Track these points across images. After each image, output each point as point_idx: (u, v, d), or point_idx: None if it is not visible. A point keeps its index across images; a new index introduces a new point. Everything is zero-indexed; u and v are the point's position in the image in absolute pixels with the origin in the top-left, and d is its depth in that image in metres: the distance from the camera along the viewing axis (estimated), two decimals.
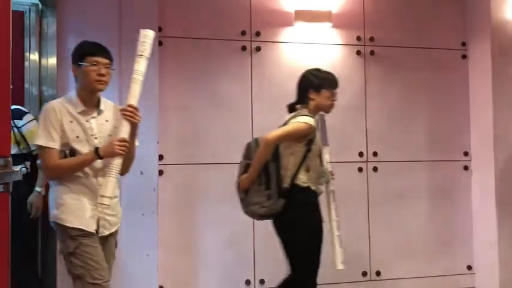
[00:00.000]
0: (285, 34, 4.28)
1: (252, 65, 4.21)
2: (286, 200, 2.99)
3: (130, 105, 2.53)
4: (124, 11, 3.86)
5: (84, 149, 2.54)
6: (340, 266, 3.15)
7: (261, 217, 3.12)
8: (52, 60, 3.79)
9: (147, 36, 2.60)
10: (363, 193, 4.34)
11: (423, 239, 4.46)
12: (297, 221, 3.02)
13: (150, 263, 3.81)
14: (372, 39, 4.42)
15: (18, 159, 3.25)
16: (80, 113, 2.57)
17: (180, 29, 4.04)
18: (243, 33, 4.19)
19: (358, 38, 4.40)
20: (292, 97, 4.20)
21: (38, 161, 3.40)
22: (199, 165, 4.07)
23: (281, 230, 3.11)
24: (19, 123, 3.36)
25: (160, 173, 3.94)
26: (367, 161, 4.37)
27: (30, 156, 3.42)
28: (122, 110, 2.55)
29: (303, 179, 3.03)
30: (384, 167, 4.39)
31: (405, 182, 4.43)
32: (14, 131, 3.32)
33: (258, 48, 4.21)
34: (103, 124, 2.62)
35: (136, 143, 2.66)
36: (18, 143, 3.36)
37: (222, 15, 4.16)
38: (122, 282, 3.60)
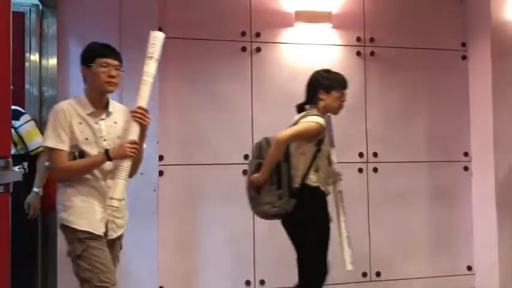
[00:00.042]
0: (285, 35, 4.28)
1: (252, 65, 4.21)
2: (297, 200, 3.01)
3: (140, 107, 2.52)
4: (124, 12, 3.86)
5: (93, 150, 2.53)
6: (349, 267, 3.18)
7: (272, 217, 3.13)
8: (52, 61, 3.79)
9: (157, 38, 2.59)
10: (363, 194, 4.34)
11: (423, 240, 4.46)
12: (307, 220, 3.04)
13: (150, 264, 3.81)
14: (372, 40, 4.42)
15: (15, 160, 3.24)
16: (89, 114, 2.56)
17: (181, 30, 4.05)
18: (243, 33, 4.20)
19: (358, 39, 4.40)
20: (292, 97, 4.20)
21: (37, 162, 3.41)
22: (199, 165, 4.08)
23: (291, 229, 3.14)
24: (16, 123, 3.34)
25: (161, 173, 3.95)
26: (367, 162, 4.37)
27: (28, 157, 3.41)
28: (131, 111, 2.54)
29: (313, 179, 3.06)
30: (384, 167, 4.39)
31: (405, 182, 4.43)
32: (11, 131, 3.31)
33: (258, 49, 4.21)
34: (112, 126, 2.61)
35: (144, 145, 2.66)
36: (15, 144, 3.34)
37: (222, 16, 4.17)
38: (122, 283, 3.57)
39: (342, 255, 3.17)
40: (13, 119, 3.40)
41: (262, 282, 4.12)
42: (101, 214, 2.55)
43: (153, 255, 3.82)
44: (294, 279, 4.02)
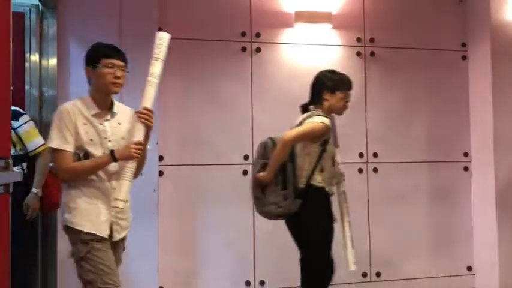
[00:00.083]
0: (285, 35, 4.28)
1: (252, 65, 4.21)
2: (302, 200, 3.02)
3: (146, 108, 2.51)
4: (124, 13, 3.86)
5: (97, 151, 2.52)
6: (353, 267, 3.20)
7: (276, 217, 3.13)
8: (52, 61, 3.79)
9: (163, 39, 2.58)
10: (363, 194, 4.34)
11: (423, 240, 4.46)
12: (312, 221, 3.06)
13: (150, 264, 3.81)
14: (372, 40, 4.42)
15: (14, 160, 3.22)
16: (93, 115, 2.55)
17: (181, 30, 4.05)
18: (243, 34, 4.20)
19: (358, 39, 4.40)
20: (292, 98, 4.21)
21: (36, 163, 3.38)
22: (199, 166, 4.08)
23: (295, 230, 3.15)
24: (15, 124, 3.30)
25: (161, 173, 3.95)
26: (367, 162, 4.37)
27: (27, 157, 3.38)
28: (137, 112, 2.53)
29: (318, 179, 3.07)
30: (384, 168, 4.40)
31: (405, 183, 4.43)
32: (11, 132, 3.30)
33: (258, 49, 4.22)
34: (116, 127, 2.60)
35: (148, 147, 2.65)
36: (14, 144, 3.30)
37: (222, 16, 4.17)
38: (122, 283, 3.58)
39: (346, 255, 3.19)
40: (12, 120, 3.38)
41: (262, 282, 4.12)
42: (105, 216, 2.54)
43: (153, 256, 3.82)
44: (294, 279, 4.02)
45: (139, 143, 2.49)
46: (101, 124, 2.56)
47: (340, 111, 3.21)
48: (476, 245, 4.49)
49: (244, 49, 4.19)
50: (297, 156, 3.07)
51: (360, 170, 4.35)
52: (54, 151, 2.52)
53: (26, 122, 3.37)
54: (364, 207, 4.33)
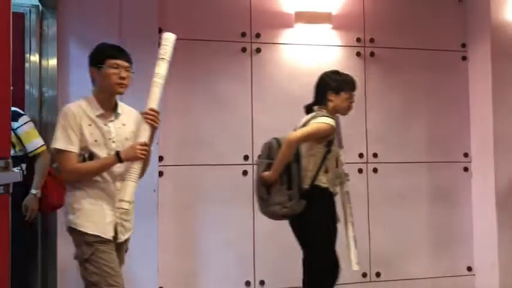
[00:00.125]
0: (285, 35, 4.28)
1: (252, 66, 4.21)
2: (307, 201, 3.03)
3: (152, 109, 2.51)
4: (124, 13, 3.86)
5: (102, 152, 2.51)
6: (355, 267, 3.22)
7: (281, 217, 3.14)
8: (52, 62, 3.79)
9: (169, 40, 2.58)
10: (363, 194, 4.34)
11: (423, 241, 4.46)
12: (317, 221, 3.07)
13: (150, 264, 3.81)
14: (371, 40, 4.42)
15: (14, 161, 3.21)
16: (98, 116, 2.54)
17: (181, 31, 4.01)
18: (243, 34, 4.20)
19: (358, 40, 4.40)
20: (292, 98, 4.22)
21: (35, 163, 3.36)
22: (199, 166, 4.08)
23: (299, 230, 3.16)
24: (15, 125, 3.28)
25: (160, 174, 3.95)
26: (367, 162, 4.37)
27: (26, 158, 3.37)
28: (143, 113, 2.52)
29: (322, 180, 3.08)
30: (383, 168, 4.40)
31: (405, 183, 4.43)
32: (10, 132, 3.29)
33: (258, 50, 4.22)
34: (120, 128, 2.59)
35: (152, 148, 2.64)
36: (13, 145, 3.28)
37: (222, 17, 4.17)
38: None
39: (349, 255, 3.21)
40: (12, 121, 3.37)
41: (262, 282, 4.12)
42: (110, 217, 2.53)
43: (153, 256, 3.82)
44: (294, 279, 4.03)
45: (145, 144, 2.49)
46: (105, 125, 2.55)
47: (344, 112, 3.23)
48: (476, 245, 4.49)
49: (244, 49, 4.20)
50: (302, 157, 3.08)
51: (360, 170, 4.35)
52: (59, 152, 2.50)
53: (25, 123, 3.36)
54: (364, 207, 4.33)
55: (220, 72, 4.15)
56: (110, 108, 2.59)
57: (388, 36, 4.47)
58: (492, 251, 4.27)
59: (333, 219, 3.13)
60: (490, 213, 4.29)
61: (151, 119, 2.51)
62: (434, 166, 4.50)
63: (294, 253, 4.00)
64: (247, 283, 4.11)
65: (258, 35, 4.22)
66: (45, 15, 3.81)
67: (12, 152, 3.30)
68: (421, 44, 4.53)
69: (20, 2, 3.71)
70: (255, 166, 4.10)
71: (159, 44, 3.84)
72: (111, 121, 2.58)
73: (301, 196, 3.04)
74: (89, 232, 2.48)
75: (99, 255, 2.46)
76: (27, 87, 3.74)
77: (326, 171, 3.09)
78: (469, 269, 4.51)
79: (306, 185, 3.06)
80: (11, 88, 2.00)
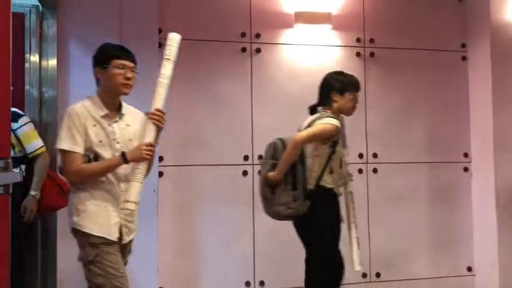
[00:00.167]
0: (285, 36, 4.28)
1: (252, 66, 4.21)
2: (311, 201, 3.04)
3: (158, 109, 2.50)
4: (124, 13, 3.86)
5: (106, 153, 2.50)
6: (358, 267, 3.24)
7: (285, 218, 3.15)
8: (52, 62, 3.78)
9: (174, 40, 2.58)
10: (363, 195, 4.34)
11: (423, 241, 4.46)
12: (321, 222, 3.09)
13: (150, 265, 3.81)
14: (371, 40, 4.42)
15: (13, 162, 3.19)
16: (102, 116, 2.53)
17: (180, 31, 3.98)
18: (243, 34, 4.20)
19: (358, 40, 4.40)
20: (292, 98, 4.23)
21: (35, 165, 3.34)
22: (199, 166, 4.08)
23: (304, 230, 3.17)
24: (14, 125, 3.25)
25: (160, 174, 3.95)
26: (366, 163, 4.37)
27: (26, 159, 3.34)
28: (150, 114, 2.51)
29: (327, 181, 3.10)
30: (383, 168, 4.39)
31: (405, 183, 4.43)
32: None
33: (258, 50, 4.22)
34: (124, 128, 2.58)
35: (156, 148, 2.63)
36: (13, 146, 3.26)
37: (222, 17, 4.17)
38: None
39: (351, 255, 3.22)
40: (11, 121, 3.36)
41: (262, 283, 4.11)
42: (115, 219, 2.51)
43: (153, 256, 3.81)
44: (294, 280, 4.03)
45: (150, 145, 2.48)
46: (109, 125, 2.54)
47: (349, 112, 3.25)
48: (476, 246, 4.49)
49: (244, 50, 4.20)
50: (306, 158, 3.09)
51: (360, 171, 4.34)
52: (64, 153, 2.48)
53: (25, 124, 3.34)
54: (363, 207, 4.33)
55: (220, 73, 4.15)
56: (114, 109, 2.58)
57: (387, 36, 4.47)
58: (492, 251, 4.27)
59: (337, 219, 3.14)
60: (490, 213, 4.29)
61: (157, 119, 2.50)
62: (434, 166, 4.50)
63: (294, 253, 4.00)
64: (247, 283, 4.11)
65: (257, 35, 4.22)
66: (45, 16, 3.81)
67: (11, 153, 3.29)
68: (420, 44, 4.53)
69: (20, 2, 3.71)
70: (255, 166, 4.12)
71: (159, 45, 3.91)
72: (116, 122, 2.56)
73: (306, 197, 3.05)
74: (94, 233, 2.46)
75: (104, 257, 2.44)
76: (27, 87, 3.74)
77: (331, 172, 3.10)
78: (469, 269, 4.51)
79: (311, 185, 3.07)
80: (11, 88, 2.00)
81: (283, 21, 4.26)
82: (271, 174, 3.08)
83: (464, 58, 4.60)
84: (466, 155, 4.56)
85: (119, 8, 3.86)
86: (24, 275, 3.50)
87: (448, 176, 4.52)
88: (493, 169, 4.26)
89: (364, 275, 4.28)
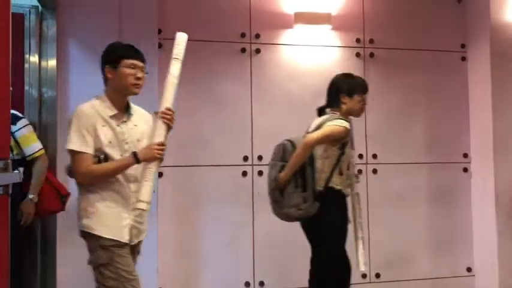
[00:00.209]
0: (285, 36, 4.28)
1: (252, 67, 4.21)
2: (320, 203, 3.06)
3: (168, 109, 2.49)
4: (124, 13, 3.86)
5: (115, 154, 2.47)
6: (362, 268, 3.27)
7: (295, 219, 3.17)
8: (52, 63, 3.78)
9: (182, 39, 2.57)
10: (363, 195, 4.30)
11: (423, 241, 4.46)
12: (330, 223, 3.10)
13: (150, 265, 3.80)
14: (371, 41, 4.42)
15: (11, 165, 3.18)
16: (111, 116, 2.50)
17: (180, 31, 4.03)
18: (243, 35, 4.20)
19: (358, 40, 4.40)
20: (292, 99, 4.23)
21: (33, 168, 3.29)
22: (198, 167, 4.07)
23: (312, 231, 3.19)
24: (13, 128, 3.20)
25: (160, 175, 3.94)
26: (366, 163, 4.37)
27: (24, 162, 3.29)
28: (160, 113, 2.48)
29: (336, 182, 3.12)
30: (383, 169, 4.39)
31: (405, 184, 4.43)
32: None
33: (258, 50, 4.22)
34: (132, 129, 2.56)
35: None
36: (11, 149, 3.20)
37: (221, 17, 4.17)
38: None
39: (356, 256, 3.24)
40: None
41: (261, 283, 4.11)
42: (125, 220, 2.49)
43: (153, 257, 3.81)
44: (294, 280, 4.03)
45: (162, 144, 2.46)
46: (118, 126, 2.51)
47: (357, 114, 3.28)
48: (475, 246, 4.49)
49: (243, 50, 4.20)
50: (316, 159, 3.10)
51: (360, 171, 4.34)
52: (73, 153, 2.45)
53: (23, 126, 3.30)
54: (363, 208, 4.31)
55: (220, 73, 4.15)
56: (122, 109, 2.55)
57: (387, 36, 4.47)
58: (492, 252, 4.26)
59: (345, 220, 3.17)
60: (489, 213, 4.29)
61: (169, 118, 2.48)
62: (433, 167, 4.50)
63: (294, 254, 4.00)
64: (247, 284, 4.10)
65: (257, 36, 4.22)
66: (44, 16, 3.80)
67: (10, 156, 3.27)
68: (420, 45, 4.53)
69: (20, 2, 3.71)
70: (254, 167, 4.12)
71: (159, 45, 3.91)
72: (124, 122, 2.54)
73: (315, 198, 3.07)
74: (105, 236, 2.43)
75: (116, 260, 2.41)
76: (26, 88, 3.73)
77: (340, 173, 3.13)
78: (469, 269, 4.51)
79: (320, 187, 3.09)
80: (11, 89, 2.00)
81: (283, 22, 4.26)
82: (281, 174, 3.10)
83: (463, 59, 4.60)
84: (465, 155, 4.56)
85: (118, 9, 3.86)
86: (24, 275, 3.50)
87: (448, 177, 4.52)
88: (492, 169, 4.26)
89: (364, 276, 4.28)
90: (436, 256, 4.46)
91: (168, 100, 2.51)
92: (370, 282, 4.31)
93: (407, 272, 4.39)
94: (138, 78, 2.51)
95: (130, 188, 2.51)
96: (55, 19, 3.78)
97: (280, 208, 3.12)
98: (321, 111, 3.29)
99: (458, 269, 4.49)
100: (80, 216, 2.50)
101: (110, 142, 2.47)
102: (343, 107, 3.20)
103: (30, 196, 3.27)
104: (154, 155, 2.43)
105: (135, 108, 2.64)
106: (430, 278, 4.44)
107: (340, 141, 3.11)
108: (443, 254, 4.48)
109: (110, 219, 2.46)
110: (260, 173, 4.11)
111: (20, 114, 3.38)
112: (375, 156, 4.38)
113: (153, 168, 2.44)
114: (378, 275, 4.33)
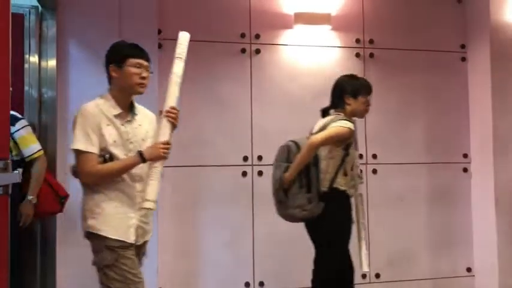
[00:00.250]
0: (285, 36, 4.28)
1: (252, 67, 4.21)
2: (325, 203, 3.07)
3: (173, 108, 2.49)
4: (124, 14, 3.86)
5: (120, 154, 2.45)
6: (366, 268, 3.27)
7: (300, 220, 3.18)
8: (52, 63, 3.78)
9: (184, 39, 2.57)
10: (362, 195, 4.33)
11: (423, 242, 4.46)
12: (334, 223, 3.12)
13: (149, 265, 3.78)
14: (371, 41, 4.42)
15: None
16: (115, 116, 2.49)
17: (180, 32, 4.04)
18: (243, 35, 4.20)
19: (358, 41, 4.40)
20: (292, 99, 4.23)
21: (32, 169, 3.28)
22: (198, 167, 4.07)
23: (316, 232, 3.19)
24: (12, 129, 3.17)
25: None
26: (366, 164, 4.37)
27: (23, 163, 3.28)
28: (165, 112, 2.48)
29: (341, 183, 3.13)
30: (383, 169, 4.39)
31: (404, 184, 4.43)
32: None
33: (258, 51, 4.21)
34: (137, 128, 2.54)
35: None
36: (10, 150, 3.13)
37: (221, 18, 4.17)
38: None
39: (360, 256, 3.24)
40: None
41: (261, 283, 4.11)
42: (131, 220, 2.47)
43: (153, 257, 3.79)
44: (293, 280, 4.03)
45: (167, 143, 2.45)
46: (122, 125, 2.50)
47: (361, 115, 3.30)
48: (475, 246, 4.49)
49: (243, 50, 4.19)
50: (320, 160, 3.11)
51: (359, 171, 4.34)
52: (79, 153, 2.43)
53: (22, 127, 3.29)
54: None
55: (220, 73, 4.15)
56: (126, 108, 2.54)
57: (387, 37, 4.47)
58: (492, 252, 4.26)
59: (349, 221, 3.18)
60: (489, 214, 4.29)
61: (173, 117, 2.48)
62: (433, 167, 4.50)
63: (294, 254, 4.01)
64: (247, 284, 4.10)
65: (257, 36, 4.22)
66: (44, 16, 3.80)
67: None
68: (420, 45, 4.53)
69: (20, 3, 3.71)
70: (254, 167, 4.12)
71: (159, 45, 3.91)
72: (128, 121, 2.53)
73: (320, 199, 3.08)
74: (111, 237, 2.41)
75: (122, 262, 2.40)
76: (26, 88, 3.73)
77: (345, 174, 3.14)
78: (469, 270, 4.51)
79: (325, 187, 3.10)
80: (10, 89, 2.00)
81: (283, 22, 4.26)
82: (286, 175, 3.11)
83: (463, 59, 4.60)
84: (465, 155, 4.56)
85: (118, 9, 3.86)
86: (24, 276, 3.49)
87: (448, 177, 4.52)
88: (492, 170, 4.26)
89: (364, 276, 4.28)
90: (436, 256, 4.46)
91: (172, 99, 2.51)
92: (370, 283, 4.31)
93: (407, 272, 4.39)
94: (143, 78, 2.51)
95: (136, 187, 2.50)
96: (55, 19, 3.78)
97: (285, 209, 3.14)
98: (324, 112, 3.30)
99: (458, 269, 4.49)
100: (85, 217, 2.48)
101: (115, 141, 2.46)
102: (348, 108, 3.21)
103: (29, 197, 3.26)
104: (160, 154, 2.42)
105: (139, 108, 2.62)
106: (430, 278, 4.44)
107: (345, 142, 3.12)
108: (443, 254, 4.48)
109: (116, 219, 2.45)
110: (260, 173, 4.11)
111: (19, 115, 3.36)
112: (374, 156, 4.38)
113: (158, 167, 2.43)
114: (377, 275, 4.33)
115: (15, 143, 3.26)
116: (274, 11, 4.26)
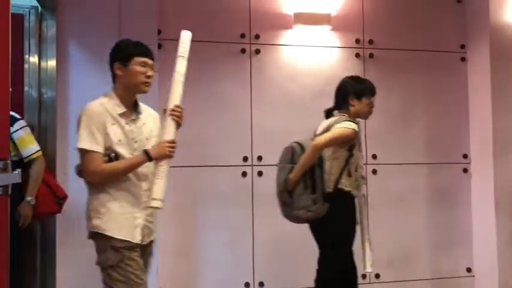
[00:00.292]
0: (284, 37, 4.28)
1: (252, 67, 4.21)
2: (330, 204, 3.08)
3: (177, 106, 2.48)
4: (124, 14, 3.86)
5: (125, 153, 2.44)
6: (369, 269, 3.29)
7: (305, 221, 3.19)
8: (52, 63, 3.77)
9: (186, 37, 2.57)
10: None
11: (423, 242, 4.46)
12: (339, 224, 3.13)
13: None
14: (371, 41, 4.42)
15: None
16: (120, 115, 2.47)
17: (180, 32, 4.03)
18: (243, 35, 4.20)
19: (357, 41, 4.40)
20: (292, 99, 4.23)
21: (30, 169, 3.27)
22: (198, 167, 4.07)
23: (320, 233, 3.20)
24: (10, 130, 3.14)
25: None
26: (366, 164, 4.35)
27: (22, 163, 3.26)
28: (170, 110, 2.47)
29: (345, 184, 3.14)
30: (383, 169, 4.39)
31: (404, 184, 4.43)
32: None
33: (258, 51, 4.21)
34: (141, 127, 2.54)
35: None
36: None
37: (221, 18, 4.17)
38: None
39: (363, 257, 3.26)
40: None
41: (261, 284, 4.11)
42: (137, 220, 2.46)
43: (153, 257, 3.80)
44: (293, 281, 4.03)
45: (172, 141, 2.45)
46: (127, 124, 2.49)
47: (365, 116, 3.31)
48: (475, 247, 4.49)
49: (243, 51, 4.19)
50: (325, 161, 3.12)
51: None
52: (84, 152, 2.41)
53: (21, 128, 3.28)
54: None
55: (220, 74, 4.14)
56: (130, 107, 2.53)
57: (387, 37, 4.47)
58: (491, 252, 4.26)
59: (353, 222, 3.19)
60: (489, 214, 4.29)
61: (178, 115, 2.47)
62: (433, 167, 4.50)
63: (294, 254, 4.00)
64: (247, 284, 4.10)
65: (257, 36, 4.22)
66: (44, 17, 3.80)
67: None
68: (420, 45, 4.53)
69: (19, 3, 3.71)
70: (254, 167, 4.12)
71: (159, 46, 3.90)
72: (133, 120, 2.52)
73: (325, 199, 3.09)
74: (117, 237, 2.40)
75: (126, 262, 2.38)
76: (26, 88, 3.72)
77: (349, 175, 3.14)
78: (469, 270, 4.51)
79: (329, 188, 3.11)
80: (10, 89, 2.00)
81: (283, 22, 4.26)
82: (290, 176, 3.11)
83: (463, 59, 4.60)
84: (465, 156, 4.56)
85: (118, 9, 3.86)
86: (24, 276, 3.49)
87: (448, 177, 4.52)
88: (492, 170, 4.26)
89: (364, 276, 4.27)
90: (436, 256, 4.46)
91: (176, 98, 2.50)
92: (370, 283, 4.31)
93: (407, 273, 4.39)
94: (148, 77, 2.50)
95: (142, 186, 2.48)
96: (55, 19, 3.78)
97: (290, 210, 3.14)
98: (328, 113, 3.30)
99: (458, 269, 4.49)
100: (90, 217, 2.46)
101: (120, 140, 2.45)
102: (352, 109, 3.22)
103: (28, 198, 3.25)
104: (166, 153, 2.41)
105: (143, 107, 2.61)
106: (430, 278, 4.44)
107: (349, 143, 3.13)
108: (443, 254, 4.48)
109: (121, 219, 2.43)
110: (260, 173, 4.11)
111: (17, 116, 3.35)
112: (374, 156, 4.38)
113: (164, 165, 2.42)
114: (377, 276, 4.32)
115: (14, 143, 3.24)
116: (274, 11, 4.26)
